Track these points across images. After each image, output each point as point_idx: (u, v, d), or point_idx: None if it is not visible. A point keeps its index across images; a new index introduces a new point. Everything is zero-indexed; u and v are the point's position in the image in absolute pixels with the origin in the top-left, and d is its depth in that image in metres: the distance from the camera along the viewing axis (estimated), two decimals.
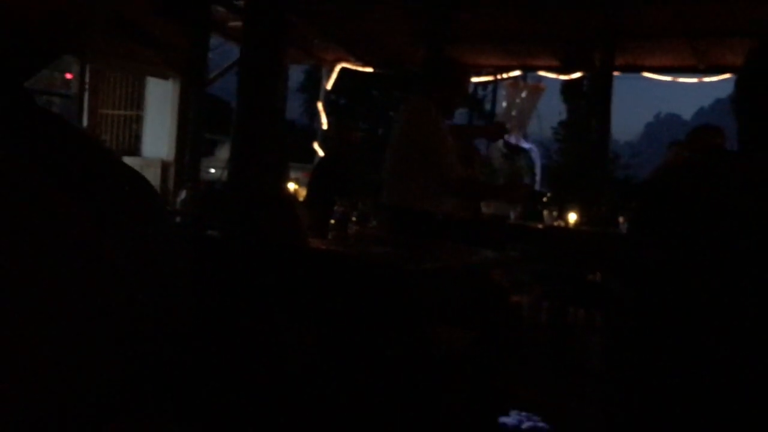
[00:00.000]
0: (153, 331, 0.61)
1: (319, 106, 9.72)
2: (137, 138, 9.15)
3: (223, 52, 9.44)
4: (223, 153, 10.97)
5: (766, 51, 1.41)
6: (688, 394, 1.33)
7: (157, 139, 8.58)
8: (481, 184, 4.10)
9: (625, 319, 1.54)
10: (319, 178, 4.68)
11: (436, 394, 3.25)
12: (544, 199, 3.43)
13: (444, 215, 3.68)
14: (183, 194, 4.36)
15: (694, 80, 7.75)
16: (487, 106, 17.52)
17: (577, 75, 7.53)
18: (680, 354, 1.34)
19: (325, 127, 9.28)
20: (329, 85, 9.71)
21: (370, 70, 9.49)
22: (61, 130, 0.59)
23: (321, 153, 8.87)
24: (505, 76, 8.84)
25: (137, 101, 9.23)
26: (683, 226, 1.36)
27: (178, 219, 3.98)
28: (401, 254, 2.46)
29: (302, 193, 5.84)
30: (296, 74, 17.34)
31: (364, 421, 2.32)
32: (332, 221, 3.11)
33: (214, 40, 8.42)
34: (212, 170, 11.10)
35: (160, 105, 8.51)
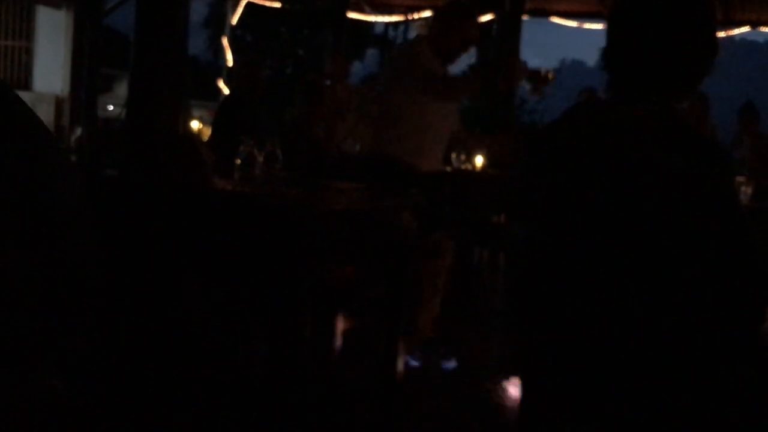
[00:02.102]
0: (52, 271, 0.57)
1: (224, 41, 9.36)
2: (27, 71, 8.58)
3: None
4: (122, 89, 10.45)
5: (633, 2, 1.46)
6: (577, 329, 1.40)
7: (50, 72, 8.06)
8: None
9: (519, 258, 1.62)
10: (223, 116, 4.52)
11: (331, 331, 3.25)
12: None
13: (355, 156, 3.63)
14: (78, 131, 4.13)
15: (599, 26, 7.91)
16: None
17: (487, 17, 7.53)
18: (567, 291, 1.41)
19: (230, 64, 8.97)
20: (234, 20, 9.35)
21: (278, 5, 9.18)
22: None
23: (226, 91, 8.59)
24: (416, 16, 8.75)
25: (26, 31, 8.61)
26: (560, 174, 1.44)
27: (73, 157, 3.78)
28: (306, 196, 2.41)
29: (207, 132, 5.64)
30: (200, 7, 16.63)
31: (256, 357, 2.30)
32: (238, 161, 3.01)
33: None
34: (110, 107, 10.58)
35: (52, 36, 7.98)
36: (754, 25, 6.97)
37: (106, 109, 10.46)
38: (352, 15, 8.45)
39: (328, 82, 5.74)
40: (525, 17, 7.58)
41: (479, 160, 5.14)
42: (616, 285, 1.35)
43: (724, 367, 1.35)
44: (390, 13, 8.82)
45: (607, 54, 1.50)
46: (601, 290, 1.36)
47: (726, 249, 1.32)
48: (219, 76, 9.45)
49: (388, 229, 2.89)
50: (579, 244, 1.40)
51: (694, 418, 1.33)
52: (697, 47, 1.43)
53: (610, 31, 1.49)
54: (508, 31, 7.32)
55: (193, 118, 6.50)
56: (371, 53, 18.44)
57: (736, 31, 7.09)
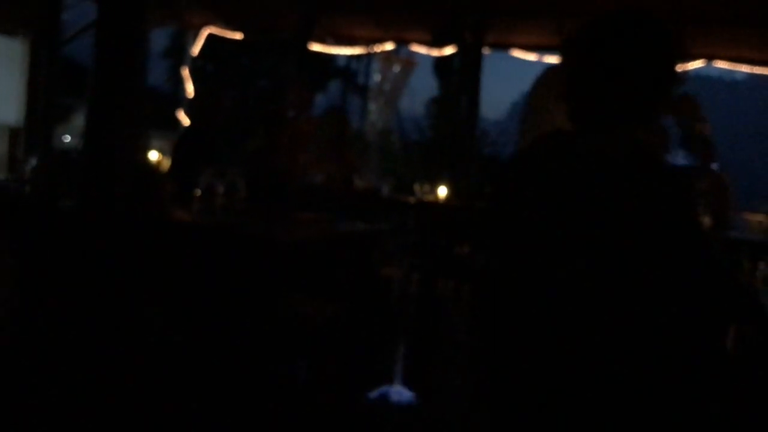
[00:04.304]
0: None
1: (185, 72, 9.29)
2: None
3: (81, 11, 8.78)
4: (79, 120, 10.28)
5: (594, 33, 1.46)
6: (543, 360, 1.39)
7: (4, 102, 7.88)
8: None
9: (484, 289, 1.61)
10: (183, 147, 4.45)
11: (293, 364, 3.18)
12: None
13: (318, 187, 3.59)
14: (33, 163, 4.03)
15: (558, 59, 8.03)
16: (361, 80, 17.52)
17: (448, 51, 7.60)
18: (533, 322, 1.40)
19: (191, 95, 8.89)
20: (195, 51, 9.29)
21: (239, 36, 9.16)
22: None
23: (186, 122, 8.50)
24: (378, 49, 8.80)
25: None
26: (526, 204, 1.46)
27: (27, 189, 3.67)
28: (266, 226, 2.35)
29: (166, 163, 5.55)
30: (160, 38, 16.53)
31: (217, 391, 2.22)
32: (198, 192, 2.95)
33: None
34: (67, 138, 10.39)
35: (6, 65, 7.81)
36: (709, 59, 7.14)
37: (63, 140, 10.26)
38: (315, 47, 8.46)
39: (291, 114, 5.71)
40: (486, 50, 7.67)
41: (443, 191, 5.15)
42: (583, 316, 1.34)
43: (692, 387, 1.34)
44: (352, 44, 8.85)
45: (568, 85, 1.50)
46: (568, 321, 1.35)
47: (690, 271, 1.32)
48: (179, 106, 9.36)
49: (356, 259, 2.85)
50: (545, 274, 1.39)
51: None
52: (658, 75, 1.44)
53: (569, 62, 1.49)
54: (469, 64, 7.39)
55: (152, 149, 6.40)
56: (334, 85, 18.51)
57: (690, 66, 7.27)
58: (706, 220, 4.18)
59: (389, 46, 8.64)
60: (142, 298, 2.18)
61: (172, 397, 2.34)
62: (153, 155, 6.15)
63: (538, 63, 8.45)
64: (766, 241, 4.14)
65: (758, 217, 4.33)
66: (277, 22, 8.34)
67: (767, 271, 2.68)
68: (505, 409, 1.49)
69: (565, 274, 1.36)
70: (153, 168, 5.21)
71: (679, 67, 1.53)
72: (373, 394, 3.18)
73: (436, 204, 4.89)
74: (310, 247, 2.41)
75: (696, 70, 7.34)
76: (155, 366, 2.28)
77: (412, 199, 4.94)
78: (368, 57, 9.72)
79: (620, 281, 1.33)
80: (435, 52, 8.02)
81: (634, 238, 1.32)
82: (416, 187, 5.19)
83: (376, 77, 9.17)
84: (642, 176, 1.36)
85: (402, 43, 8.54)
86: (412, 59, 8.84)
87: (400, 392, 3.33)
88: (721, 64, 7.22)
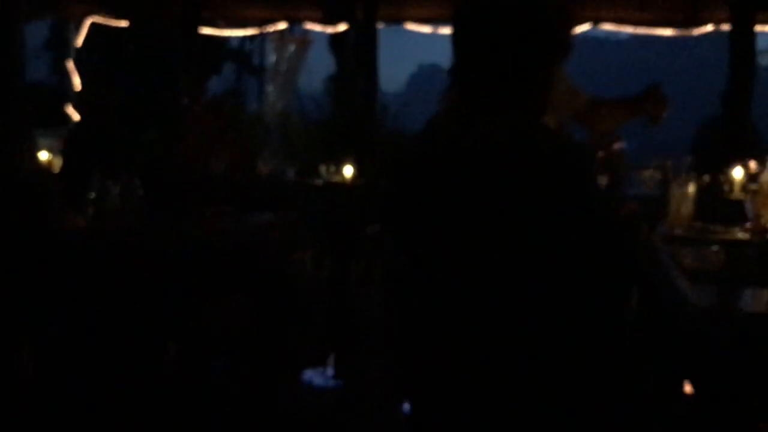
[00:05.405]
0: None
1: (69, 65, 8.84)
2: None
3: None
4: None
5: (472, 6, 1.46)
6: (453, 341, 1.40)
7: None
8: None
9: (392, 270, 1.62)
10: (74, 145, 4.24)
11: (216, 363, 3.11)
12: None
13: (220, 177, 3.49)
14: None
15: None
16: (256, 61, 17.17)
17: (342, 27, 7.53)
18: (436, 303, 1.41)
19: (78, 88, 8.47)
20: (79, 42, 8.85)
21: (124, 24, 8.78)
22: None
23: (76, 117, 8.10)
24: (271, 29, 8.63)
25: None
26: (421, 188, 1.46)
27: None
28: (167, 226, 2.27)
29: (58, 162, 5.27)
30: (39, 29, 15.66)
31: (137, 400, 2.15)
32: (91, 194, 2.80)
33: None
34: None
35: None
36: (595, 21, 7.37)
37: None
38: (205, 30, 8.21)
39: (184, 101, 5.52)
40: (380, 25, 7.65)
41: (349, 171, 5.12)
42: (482, 293, 1.35)
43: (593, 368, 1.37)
44: (244, 26, 8.64)
45: (454, 68, 1.50)
46: (469, 300, 1.35)
47: (590, 244, 1.34)
48: (66, 101, 8.90)
49: (262, 250, 2.79)
50: (446, 260, 1.39)
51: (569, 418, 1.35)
52: (545, 49, 1.44)
53: (455, 46, 1.49)
54: (364, 40, 7.36)
55: (41, 148, 6.06)
56: (228, 67, 18.06)
57: (578, 29, 7.48)
58: (603, 180, 4.33)
59: (282, 26, 8.49)
60: (32, 311, 2.06)
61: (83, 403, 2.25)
62: (42, 155, 5.83)
63: (434, 35, 8.50)
64: (658, 195, 4.32)
65: (648, 172, 4.50)
66: (163, 7, 8.03)
67: (664, 229, 2.78)
68: (423, 390, 1.50)
69: (466, 260, 1.36)
70: (42, 170, 4.95)
71: (565, 37, 1.54)
72: (296, 379, 3.17)
73: (343, 185, 4.86)
74: (216, 243, 2.34)
75: (583, 33, 7.56)
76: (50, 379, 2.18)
77: (318, 182, 4.90)
78: (262, 37, 9.52)
79: (519, 260, 1.34)
80: (330, 29, 7.93)
81: (532, 217, 1.33)
82: (322, 169, 5.14)
83: (272, 58, 9.00)
84: (535, 156, 1.36)
85: (295, 21, 8.40)
86: (306, 38, 8.72)
87: (322, 376, 3.32)
88: (607, 26, 7.46)
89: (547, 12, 1.44)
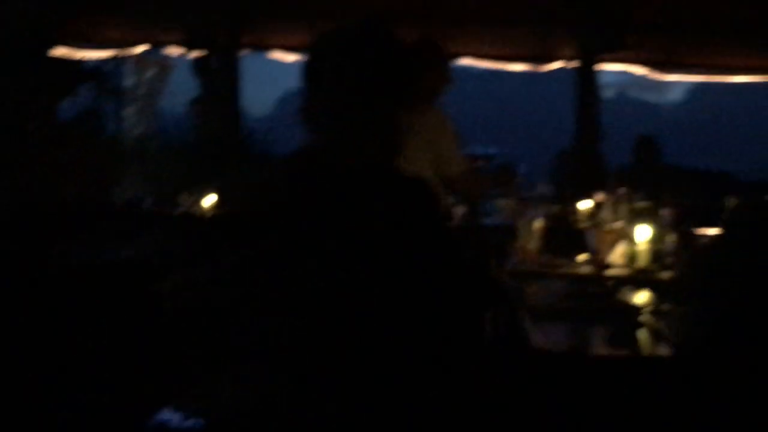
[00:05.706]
0: None
1: None
2: None
3: None
4: None
5: (320, 47, 1.50)
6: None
7: None
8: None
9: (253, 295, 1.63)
10: None
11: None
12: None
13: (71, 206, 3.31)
14: None
15: None
16: (115, 83, 16.48)
17: (202, 53, 7.39)
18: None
19: None
20: None
21: None
22: None
23: None
24: (131, 51, 8.34)
25: None
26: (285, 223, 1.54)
27: None
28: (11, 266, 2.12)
29: None
30: None
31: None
32: None
33: None
34: None
35: None
36: (453, 56, 7.64)
37: None
38: (60, 51, 7.81)
39: (31, 126, 5.19)
40: (245, 51, 7.57)
41: (212, 199, 4.91)
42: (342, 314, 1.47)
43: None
44: (103, 47, 8.30)
45: (303, 110, 1.52)
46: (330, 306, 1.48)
47: (433, 272, 1.42)
48: None
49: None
50: (312, 288, 1.50)
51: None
52: (384, 84, 1.47)
53: (304, 88, 1.51)
54: (225, 66, 7.26)
55: None
56: (86, 87, 17.25)
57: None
58: (460, 210, 4.47)
59: (142, 48, 8.22)
60: None
61: None
62: None
63: (299, 62, 8.49)
64: (513, 224, 4.49)
65: (504, 201, 4.67)
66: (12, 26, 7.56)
67: (515, 262, 2.88)
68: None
69: (328, 288, 1.47)
70: None
71: (408, 80, 1.58)
72: (151, 422, 3.01)
73: (203, 217, 4.68)
74: (66, 280, 2.22)
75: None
76: None
77: (177, 212, 4.71)
78: (121, 60, 9.19)
79: (376, 288, 1.39)
80: (193, 54, 7.76)
81: (381, 248, 1.39)
82: (182, 197, 4.95)
83: (130, 80, 8.68)
84: (384, 194, 1.43)
85: (155, 44, 8.16)
86: (167, 62, 8.48)
87: (179, 417, 3.18)
88: (465, 61, 7.78)
89: (391, 49, 1.47)
